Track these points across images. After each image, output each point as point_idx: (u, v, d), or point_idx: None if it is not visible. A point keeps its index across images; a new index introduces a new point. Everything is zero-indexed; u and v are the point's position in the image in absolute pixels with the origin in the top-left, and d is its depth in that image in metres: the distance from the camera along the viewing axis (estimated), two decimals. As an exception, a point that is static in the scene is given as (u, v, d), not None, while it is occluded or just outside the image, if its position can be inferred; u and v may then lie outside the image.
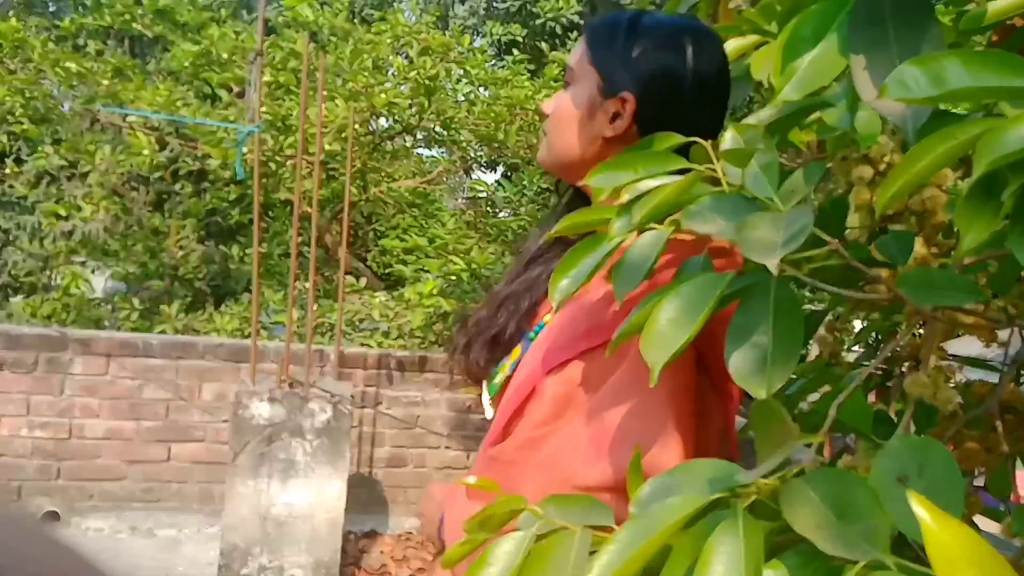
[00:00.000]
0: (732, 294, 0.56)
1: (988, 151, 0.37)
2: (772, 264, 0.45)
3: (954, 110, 0.68)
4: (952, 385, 0.84)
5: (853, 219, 0.77)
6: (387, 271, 5.38)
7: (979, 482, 0.78)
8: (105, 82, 4.41)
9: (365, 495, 3.42)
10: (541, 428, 0.71)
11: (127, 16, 4.71)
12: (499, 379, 0.83)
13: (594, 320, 0.71)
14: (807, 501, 0.44)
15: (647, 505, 0.50)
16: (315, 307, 3.14)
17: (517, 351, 0.81)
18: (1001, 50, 0.44)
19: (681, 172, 0.60)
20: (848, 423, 0.58)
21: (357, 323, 4.08)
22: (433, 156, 6.26)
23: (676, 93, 0.78)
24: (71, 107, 4.79)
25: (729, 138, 0.66)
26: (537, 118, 4.38)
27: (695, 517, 0.45)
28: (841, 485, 0.44)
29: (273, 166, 4.10)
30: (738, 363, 0.51)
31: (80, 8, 5.09)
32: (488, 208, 5.75)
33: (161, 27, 4.84)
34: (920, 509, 0.32)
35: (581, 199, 0.86)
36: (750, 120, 0.89)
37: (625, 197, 0.60)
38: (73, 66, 4.36)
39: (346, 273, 4.22)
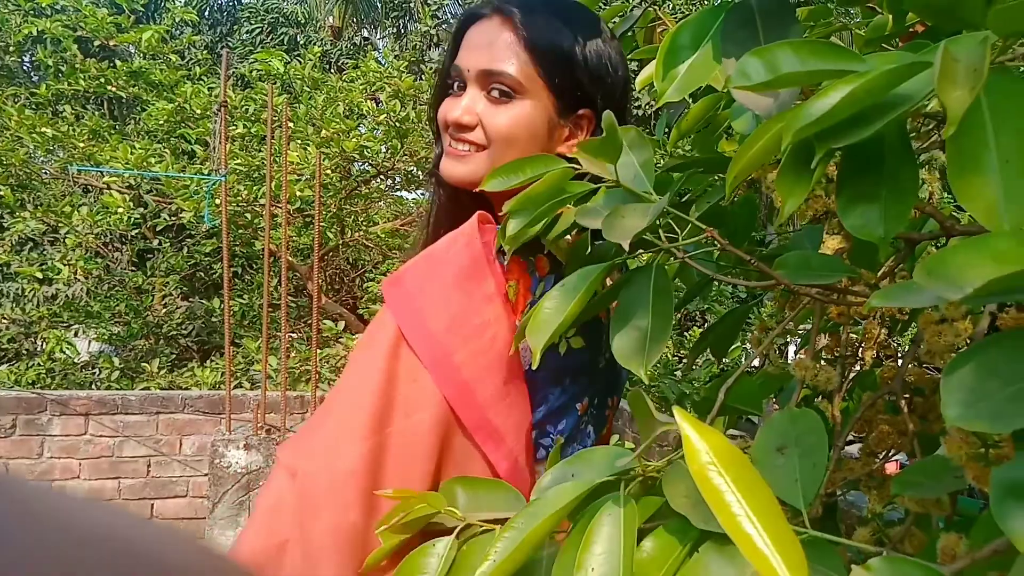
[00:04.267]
0: (617, 285, 0.59)
1: (792, 125, 0.39)
2: (625, 243, 0.47)
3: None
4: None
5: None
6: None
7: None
8: (81, 144, 4.46)
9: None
10: None
11: (101, 79, 4.78)
12: None
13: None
14: (685, 480, 0.46)
15: (545, 491, 0.52)
16: (292, 354, 3.13)
17: None
18: (826, 40, 0.46)
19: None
20: (738, 406, 0.59)
21: (340, 368, 4.06)
22: (415, 198, 6.32)
23: (622, 98, 0.80)
24: (49, 171, 4.84)
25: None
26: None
27: (588, 499, 0.47)
28: (714, 464, 0.46)
29: (249, 216, 4.13)
30: (621, 345, 0.53)
31: (58, 74, 5.16)
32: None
33: (136, 88, 4.92)
34: (683, 421, 0.34)
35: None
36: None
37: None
38: (49, 131, 4.41)
39: (326, 318, 4.22)
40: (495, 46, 0.74)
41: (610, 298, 0.59)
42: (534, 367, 0.53)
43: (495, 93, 0.74)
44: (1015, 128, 0.33)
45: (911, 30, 0.87)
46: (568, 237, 0.68)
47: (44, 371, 4.67)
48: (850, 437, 0.71)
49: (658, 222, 0.63)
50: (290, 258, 3.10)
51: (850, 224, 0.42)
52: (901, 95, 0.38)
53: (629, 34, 1.23)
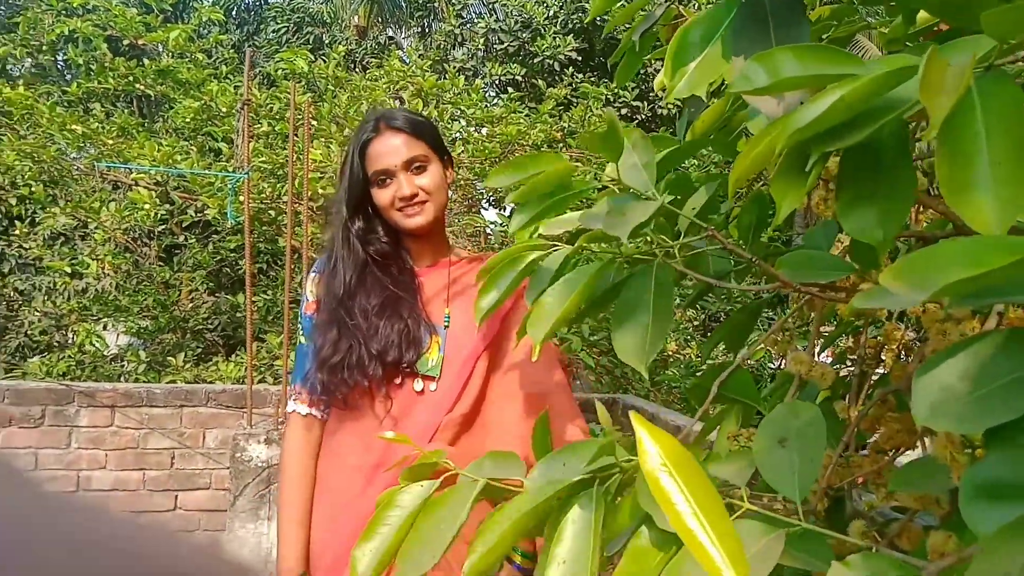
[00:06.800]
0: (619, 282, 0.59)
1: (786, 130, 0.39)
2: (624, 236, 0.47)
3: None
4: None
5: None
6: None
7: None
8: (110, 141, 4.55)
9: (373, 536, 3.39)
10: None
11: (130, 78, 4.87)
12: (434, 361, 1.21)
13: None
14: None
15: (536, 480, 0.53)
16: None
17: (438, 339, 1.21)
18: (829, 44, 0.46)
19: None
20: (733, 395, 0.59)
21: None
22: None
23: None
24: (79, 168, 4.94)
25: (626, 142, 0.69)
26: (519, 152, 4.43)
27: (569, 494, 0.48)
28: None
29: (272, 213, 4.18)
30: (623, 343, 0.54)
31: (88, 73, 5.25)
32: (498, 244, 5.83)
33: (163, 86, 5.00)
34: (637, 426, 0.35)
35: (397, 249, 1.28)
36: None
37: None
38: (79, 128, 4.50)
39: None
40: (401, 144, 1.21)
41: (612, 296, 0.59)
42: (533, 359, 0.57)
43: (416, 169, 1.22)
44: (1007, 130, 0.33)
45: (936, 29, 0.86)
46: None
47: (74, 363, 4.76)
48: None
49: (665, 224, 0.64)
50: (312, 255, 3.13)
51: (849, 227, 0.42)
52: (895, 99, 0.38)
53: (653, 31, 1.23)
